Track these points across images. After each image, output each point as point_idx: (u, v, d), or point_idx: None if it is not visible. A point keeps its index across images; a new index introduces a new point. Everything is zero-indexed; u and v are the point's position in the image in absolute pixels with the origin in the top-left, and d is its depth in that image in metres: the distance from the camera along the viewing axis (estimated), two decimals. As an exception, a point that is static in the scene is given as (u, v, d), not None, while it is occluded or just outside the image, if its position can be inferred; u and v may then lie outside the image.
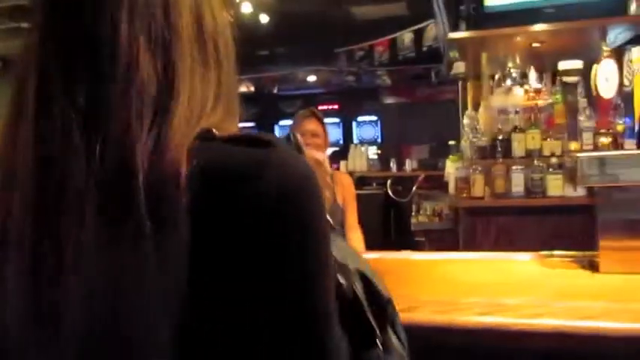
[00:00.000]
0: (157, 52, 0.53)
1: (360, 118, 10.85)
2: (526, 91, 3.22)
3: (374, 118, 10.09)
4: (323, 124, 2.54)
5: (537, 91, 3.19)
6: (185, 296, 0.46)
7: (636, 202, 1.41)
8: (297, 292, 0.49)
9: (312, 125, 2.49)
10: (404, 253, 2.08)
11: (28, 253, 0.49)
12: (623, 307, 1.10)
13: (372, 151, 9.76)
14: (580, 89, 2.13)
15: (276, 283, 0.48)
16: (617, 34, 2.85)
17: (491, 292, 1.29)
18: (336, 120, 11.21)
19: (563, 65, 1.60)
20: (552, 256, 1.70)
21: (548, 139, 2.89)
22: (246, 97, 8.39)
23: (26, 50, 0.56)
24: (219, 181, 0.50)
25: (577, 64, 1.60)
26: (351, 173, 6.62)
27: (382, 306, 0.63)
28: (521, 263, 1.69)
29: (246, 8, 5.02)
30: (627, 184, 1.39)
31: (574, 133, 1.61)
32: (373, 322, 0.60)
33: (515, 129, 3.03)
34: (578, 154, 1.49)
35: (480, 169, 3.03)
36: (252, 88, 7.91)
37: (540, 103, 3.09)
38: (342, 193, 2.42)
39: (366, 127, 10.85)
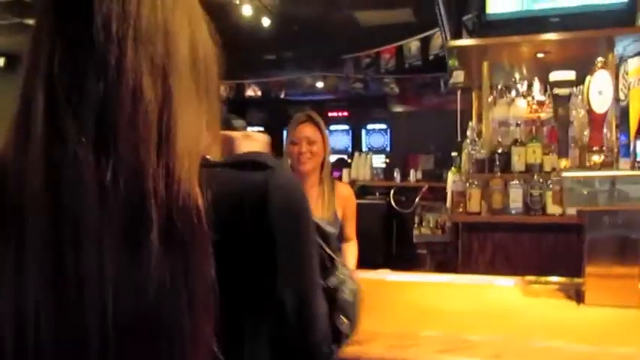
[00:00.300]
0: (157, 80, 0.57)
1: (370, 126, 10.76)
2: (529, 103, 3.09)
3: (383, 126, 9.97)
4: (321, 129, 2.29)
5: (540, 104, 3.05)
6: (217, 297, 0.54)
7: (626, 226, 1.28)
8: (300, 265, 0.62)
9: (308, 131, 2.25)
10: (381, 272, 1.96)
11: (49, 282, 0.53)
12: (604, 351, 0.98)
13: (381, 160, 9.66)
14: (573, 102, 2.01)
15: (276, 269, 0.59)
16: (625, 46, 2.72)
17: (458, 324, 1.17)
18: (346, 127, 11.13)
19: (554, 76, 1.48)
20: (537, 282, 1.57)
21: (550, 154, 2.75)
22: (254, 102, 8.32)
23: (31, 69, 0.57)
24: (233, 205, 0.57)
25: (569, 75, 1.48)
26: (353, 182, 6.51)
27: (330, 241, 0.72)
28: (502, 290, 1.56)
29: (253, 12, 4.96)
30: (615, 208, 1.27)
31: (565, 149, 1.49)
32: (331, 253, 0.71)
33: (515, 142, 2.90)
34: (564, 173, 1.36)
35: (476, 183, 2.90)
36: (260, 93, 7.82)
37: (543, 116, 2.96)
38: (342, 205, 2.24)
39: (376, 135, 10.72)
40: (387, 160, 8.69)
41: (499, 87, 3.19)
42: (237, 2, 4.43)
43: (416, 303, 1.43)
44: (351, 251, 2.33)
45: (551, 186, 2.67)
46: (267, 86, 7.69)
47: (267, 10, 4.88)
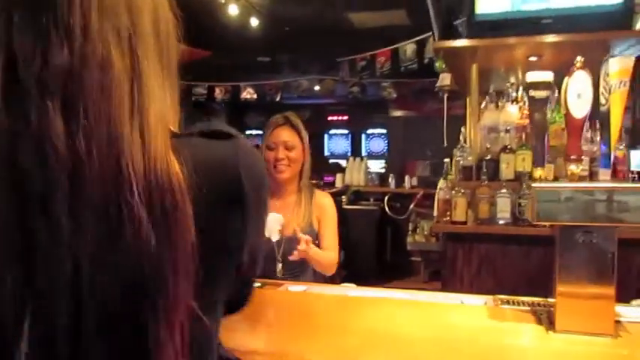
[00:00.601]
0: (125, 52, 0.57)
1: (370, 131, 10.63)
2: (520, 109, 2.95)
3: (383, 130, 9.84)
4: (300, 133, 2.13)
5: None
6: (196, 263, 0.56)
7: (602, 244, 1.14)
8: (258, 228, 0.67)
9: (285, 135, 2.09)
10: (343, 287, 1.83)
11: (17, 259, 0.51)
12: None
13: (380, 165, 9.53)
14: (550, 106, 1.88)
15: (243, 230, 0.63)
16: (622, 50, 2.58)
17: (401, 354, 1.03)
18: (345, 132, 11.01)
19: (531, 77, 1.35)
20: (508, 302, 1.43)
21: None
22: (251, 105, 8.21)
23: None
24: (207, 172, 0.58)
25: (546, 75, 1.35)
26: (347, 187, 6.38)
27: None
28: (468, 311, 1.43)
29: (244, 13, 4.86)
30: (589, 224, 1.13)
31: (541, 157, 1.36)
32: None
33: (504, 149, 2.76)
34: (534, 185, 1.23)
35: (462, 191, 2.76)
36: (255, 96, 7.72)
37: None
38: (317, 214, 2.07)
39: (376, 140, 10.61)
40: (386, 166, 8.57)
41: (490, 91, 3.06)
42: (223, 2, 4.32)
43: (365, 326, 1.30)
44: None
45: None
46: (263, 89, 7.59)
47: (259, 12, 4.77)
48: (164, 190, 0.54)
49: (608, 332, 1.12)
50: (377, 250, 5.84)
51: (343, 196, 5.89)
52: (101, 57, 0.55)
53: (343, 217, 5.81)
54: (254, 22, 4.90)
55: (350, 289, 1.63)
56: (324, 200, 2.14)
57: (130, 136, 0.54)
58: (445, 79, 3.11)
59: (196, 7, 4.70)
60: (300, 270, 1.95)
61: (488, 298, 1.50)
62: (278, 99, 7.69)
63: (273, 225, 1.68)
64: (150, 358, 0.54)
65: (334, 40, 5.55)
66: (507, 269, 2.64)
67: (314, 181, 6.39)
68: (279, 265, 1.95)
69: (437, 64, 3.11)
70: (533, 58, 2.88)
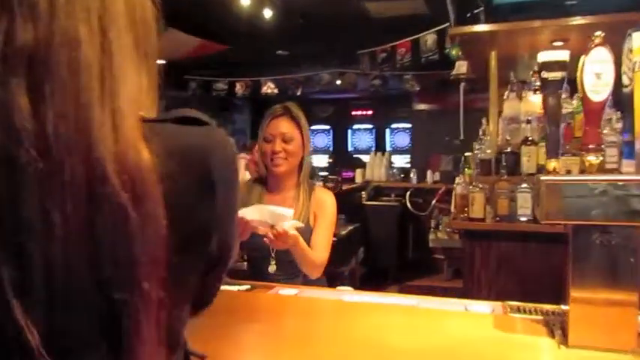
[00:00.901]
0: (95, 32, 0.55)
1: (394, 125, 10.42)
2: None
3: (408, 125, 9.63)
4: (300, 125, 1.96)
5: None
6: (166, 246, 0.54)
7: (620, 246, 0.99)
8: (232, 212, 0.67)
9: (284, 126, 1.93)
10: (338, 291, 1.69)
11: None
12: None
13: (406, 160, 9.33)
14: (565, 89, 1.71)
15: (214, 214, 0.61)
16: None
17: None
18: (369, 126, 10.82)
19: (543, 57, 1.20)
20: (519, 310, 1.28)
21: (565, 155, 2.42)
22: (272, 100, 8.13)
23: None
24: (179, 158, 0.57)
25: (561, 55, 1.19)
26: (367, 183, 6.23)
27: None
28: (471, 318, 1.28)
29: (260, 5, 4.76)
30: (608, 223, 0.98)
31: (555, 148, 1.20)
32: None
33: (525, 141, 2.59)
34: (543, 178, 1.08)
35: (480, 186, 2.60)
36: (276, 91, 7.62)
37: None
38: (314, 209, 1.92)
39: (400, 134, 10.39)
40: (411, 161, 8.38)
41: (511, 80, 2.88)
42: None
43: (355, 334, 1.17)
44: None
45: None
46: (284, 84, 7.48)
47: (272, 2, 4.66)
48: (134, 178, 0.52)
49: (629, 347, 0.97)
50: (398, 247, 5.67)
51: (363, 192, 5.74)
52: (68, 36, 0.53)
53: (363, 213, 5.70)
54: (267, 13, 4.79)
55: (345, 294, 1.50)
56: (324, 196, 1.98)
57: (101, 119, 0.53)
58: (461, 68, 2.94)
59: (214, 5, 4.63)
60: (294, 270, 1.82)
61: (497, 304, 1.35)
62: (299, 93, 7.58)
63: (283, 220, 1.55)
64: (124, 348, 0.54)
65: (353, 32, 5.40)
66: (528, 269, 2.47)
67: (334, 177, 6.28)
68: (272, 263, 1.83)
69: (452, 52, 2.94)
70: (557, 43, 2.69)
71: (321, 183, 5.43)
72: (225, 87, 7.89)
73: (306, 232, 1.83)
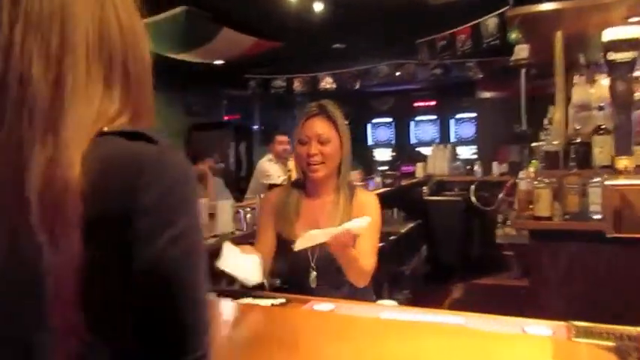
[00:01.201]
0: (50, 68, 0.56)
1: (459, 116, 10.03)
2: (618, 81, 2.48)
3: (473, 114, 9.23)
4: (337, 124, 1.81)
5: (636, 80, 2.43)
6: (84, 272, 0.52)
7: None
8: (166, 247, 0.56)
9: (318, 127, 1.79)
10: (379, 306, 1.54)
11: None
12: None
13: (472, 152, 8.94)
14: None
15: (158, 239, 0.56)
16: None
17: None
18: (433, 117, 10.47)
19: (609, 35, 1.00)
20: (586, 334, 1.10)
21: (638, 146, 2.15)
22: (331, 95, 8.01)
23: None
24: (113, 172, 0.56)
25: (630, 31, 0.98)
26: (429, 177, 5.99)
27: None
28: (528, 342, 1.11)
29: (313, 1, 4.66)
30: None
31: (626, 142, 1.00)
32: None
33: (597, 130, 2.32)
34: (608, 183, 0.89)
35: (547, 181, 2.36)
36: (334, 85, 7.50)
37: (638, 96, 2.34)
38: (358, 216, 1.74)
39: (465, 124, 9.99)
40: (477, 152, 8.01)
41: (581, 63, 2.60)
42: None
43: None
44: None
45: None
46: (342, 78, 7.35)
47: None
48: (57, 212, 0.52)
49: None
50: (463, 244, 5.41)
51: (424, 187, 5.52)
52: (21, 72, 0.55)
53: (424, 209, 5.48)
54: (318, 6, 4.68)
55: (384, 310, 1.35)
56: (366, 200, 1.83)
57: (38, 158, 0.53)
58: (521, 52, 2.69)
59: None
60: (337, 281, 1.70)
61: (560, 325, 1.17)
62: (357, 87, 7.43)
63: (252, 266, 1.39)
64: None
65: (409, 21, 5.19)
66: (602, 274, 2.22)
67: (392, 172, 6.09)
68: (313, 275, 1.72)
69: (512, 36, 2.70)
70: (634, 19, 2.39)
71: (379, 179, 5.27)
72: (284, 84, 7.87)
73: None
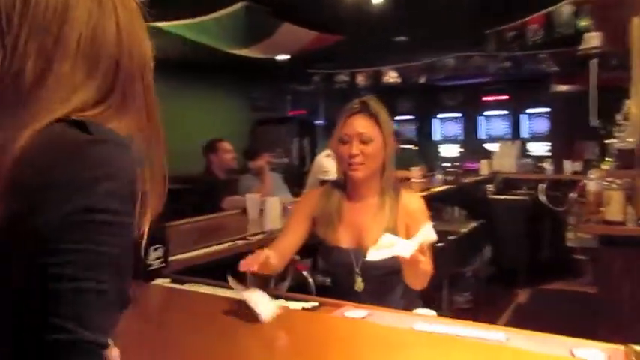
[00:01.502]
0: (42, 63, 0.59)
1: (531, 110, 9.53)
2: None
3: (546, 109, 8.73)
4: (380, 122, 1.72)
5: None
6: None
7: None
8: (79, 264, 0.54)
9: (360, 125, 1.70)
10: (414, 316, 1.42)
11: None
12: None
13: (545, 148, 8.48)
14: None
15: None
16: None
17: None
18: (504, 112, 10.01)
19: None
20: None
21: None
22: (395, 89, 7.82)
23: None
24: (42, 151, 0.55)
25: None
26: (495, 175, 5.71)
27: None
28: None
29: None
30: None
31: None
32: None
33: (680, 126, 2.09)
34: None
35: (618, 182, 2.15)
36: (399, 79, 7.33)
37: None
38: (406, 220, 1.66)
39: (538, 119, 9.48)
40: (551, 148, 7.58)
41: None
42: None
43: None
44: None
45: None
46: (406, 72, 7.17)
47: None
48: None
49: None
50: (530, 246, 5.12)
51: (489, 185, 5.27)
52: (16, 72, 0.57)
53: (488, 208, 5.22)
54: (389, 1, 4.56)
55: (419, 321, 1.24)
56: (414, 203, 1.72)
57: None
58: (592, 40, 2.47)
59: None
60: (385, 287, 1.60)
61: (617, 350, 1.02)
62: (423, 81, 7.23)
63: (261, 300, 1.27)
64: None
65: (476, 10, 4.95)
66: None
67: (453, 169, 5.85)
68: (359, 280, 1.63)
69: (580, 23, 2.47)
70: None
71: (441, 176, 5.08)
72: (347, 78, 7.80)
73: None
